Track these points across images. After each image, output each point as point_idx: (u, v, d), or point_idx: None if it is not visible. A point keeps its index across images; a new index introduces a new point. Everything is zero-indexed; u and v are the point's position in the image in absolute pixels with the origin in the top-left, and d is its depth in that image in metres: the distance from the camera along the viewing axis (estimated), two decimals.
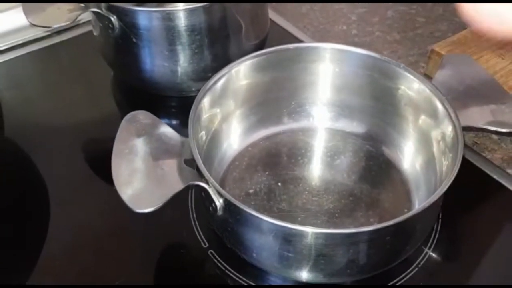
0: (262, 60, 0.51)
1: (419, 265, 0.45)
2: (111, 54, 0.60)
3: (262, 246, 0.40)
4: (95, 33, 0.60)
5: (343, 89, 0.54)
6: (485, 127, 0.47)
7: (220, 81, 0.49)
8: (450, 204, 0.46)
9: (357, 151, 0.53)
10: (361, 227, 0.39)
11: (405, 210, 0.48)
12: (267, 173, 0.51)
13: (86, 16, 0.57)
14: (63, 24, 0.54)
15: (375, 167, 0.52)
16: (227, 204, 0.40)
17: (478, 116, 0.48)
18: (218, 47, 0.57)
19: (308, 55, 0.52)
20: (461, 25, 0.68)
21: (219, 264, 0.45)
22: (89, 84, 0.66)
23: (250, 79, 0.52)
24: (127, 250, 0.48)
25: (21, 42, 0.69)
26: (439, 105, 0.47)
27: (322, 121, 0.55)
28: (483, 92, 0.51)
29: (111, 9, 0.54)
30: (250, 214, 0.38)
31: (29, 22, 0.53)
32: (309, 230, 0.38)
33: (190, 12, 0.53)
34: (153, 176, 0.42)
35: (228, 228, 0.42)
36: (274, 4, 0.74)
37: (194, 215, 0.49)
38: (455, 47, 0.63)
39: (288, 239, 0.38)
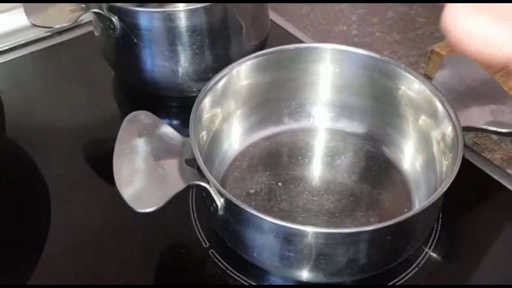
0: (262, 61, 0.51)
1: (419, 265, 0.45)
2: (112, 55, 0.60)
3: (263, 246, 0.41)
4: (96, 34, 0.60)
5: (344, 89, 0.54)
6: (485, 127, 0.47)
7: (221, 81, 0.49)
8: (450, 204, 0.46)
9: (358, 151, 0.53)
10: (361, 227, 0.39)
11: (405, 210, 0.48)
12: (267, 173, 0.51)
13: (87, 16, 0.57)
14: (64, 24, 0.54)
15: (375, 167, 0.52)
16: (228, 204, 0.40)
17: (478, 116, 0.48)
18: (218, 48, 0.57)
19: (309, 56, 0.53)
20: None
21: (220, 264, 0.45)
22: (90, 84, 0.66)
23: (250, 79, 0.52)
24: (127, 250, 0.48)
25: (22, 42, 0.69)
26: (439, 106, 0.47)
27: (323, 121, 0.56)
28: (483, 92, 0.51)
29: (112, 10, 0.54)
30: (251, 213, 0.38)
31: (30, 22, 0.53)
32: (310, 229, 0.38)
33: (191, 12, 0.53)
34: (154, 176, 0.42)
35: (229, 227, 0.42)
36: (274, 4, 0.74)
37: (195, 215, 0.49)
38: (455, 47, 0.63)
39: (288, 238, 0.38)
